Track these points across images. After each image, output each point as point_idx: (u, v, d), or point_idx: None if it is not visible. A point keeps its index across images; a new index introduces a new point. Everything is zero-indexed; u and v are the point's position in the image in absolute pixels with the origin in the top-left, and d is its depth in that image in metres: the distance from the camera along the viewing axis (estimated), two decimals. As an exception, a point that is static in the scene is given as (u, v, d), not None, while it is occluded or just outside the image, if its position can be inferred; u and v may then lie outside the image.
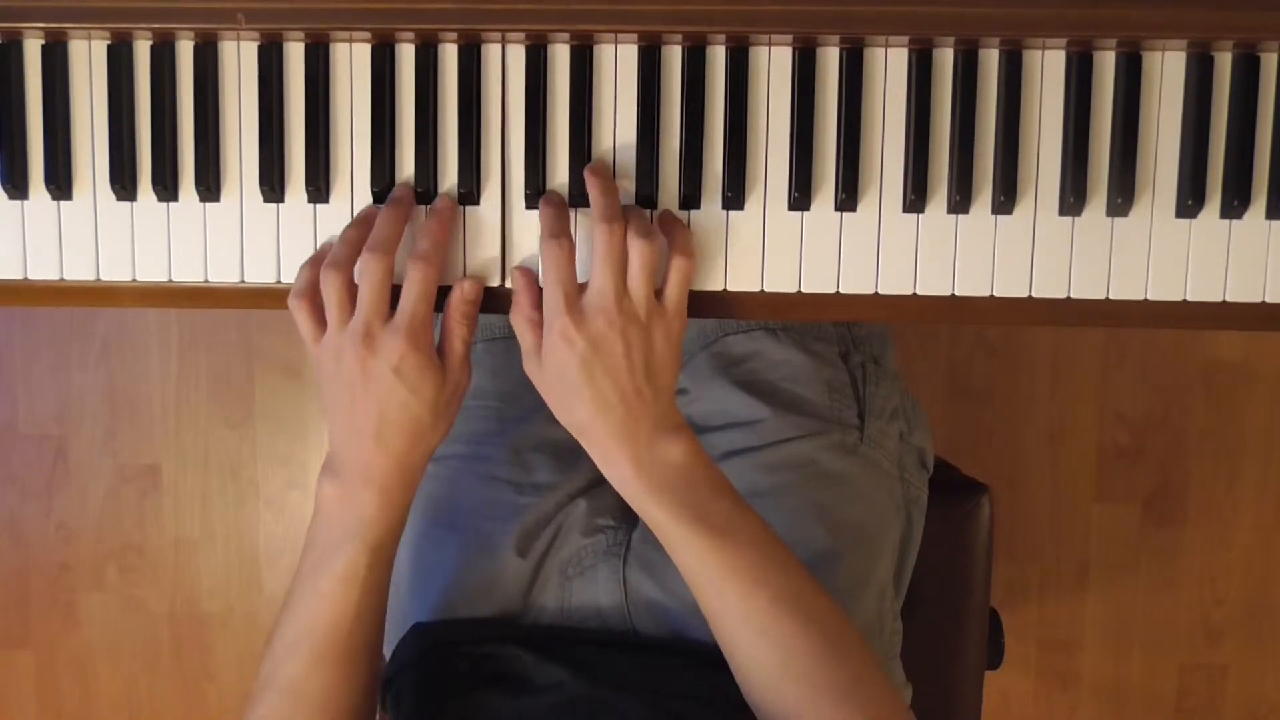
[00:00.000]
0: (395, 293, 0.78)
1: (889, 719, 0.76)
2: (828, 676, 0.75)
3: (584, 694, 0.85)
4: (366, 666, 0.83)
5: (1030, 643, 1.93)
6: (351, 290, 0.78)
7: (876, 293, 0.83)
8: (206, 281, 0.84)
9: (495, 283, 0.83)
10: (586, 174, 0.80)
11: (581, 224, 0.81)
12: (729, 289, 0.83)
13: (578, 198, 0.81)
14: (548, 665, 0.88)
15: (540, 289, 0.80)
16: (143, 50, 0.82)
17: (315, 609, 0.80)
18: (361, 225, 0.80)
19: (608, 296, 0.76)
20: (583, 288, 0.77)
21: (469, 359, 0.82)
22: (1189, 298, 0.83)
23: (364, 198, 0.83)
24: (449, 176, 0.82)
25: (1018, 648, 1.92)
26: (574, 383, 0.76)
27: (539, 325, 0.79)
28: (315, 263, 0.80)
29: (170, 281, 0.84)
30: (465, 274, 0.83)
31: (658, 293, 0.78)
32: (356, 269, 0.78)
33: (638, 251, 0.76)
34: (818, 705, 0.75)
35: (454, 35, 0.81)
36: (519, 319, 0.80)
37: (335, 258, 0.78)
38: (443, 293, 0.81)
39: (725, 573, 0.77)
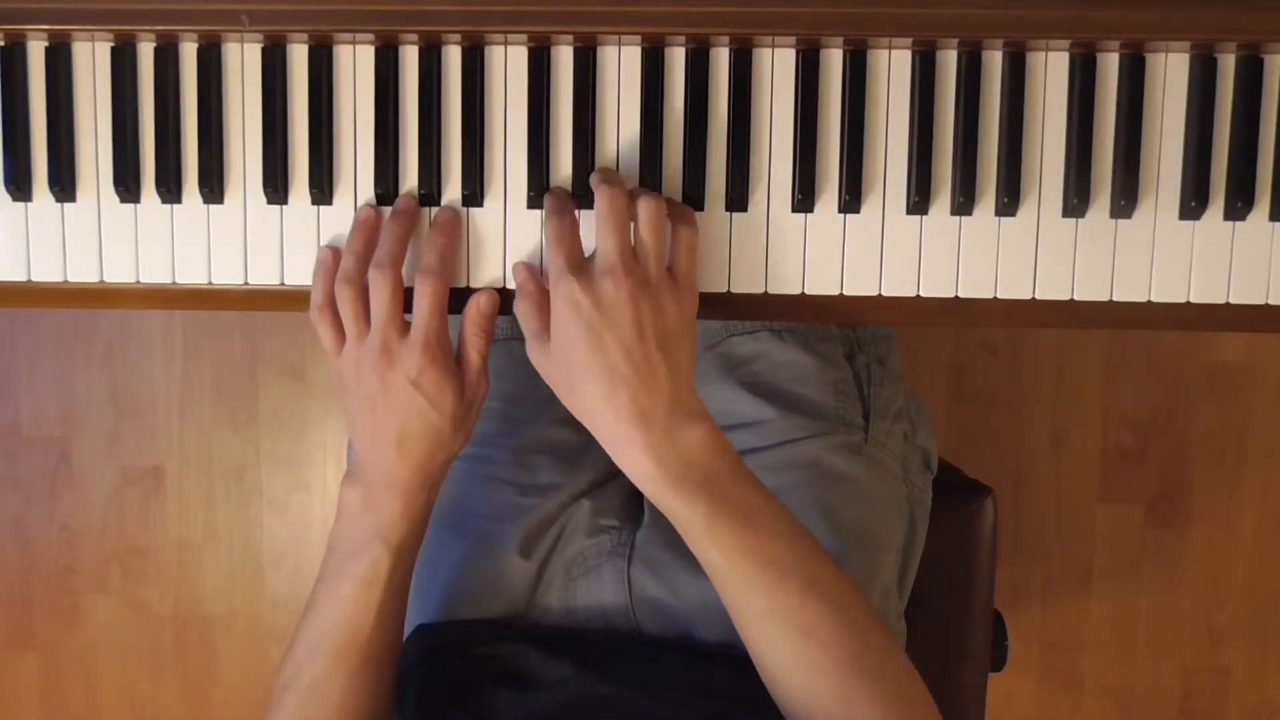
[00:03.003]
0: (410, 295, 0.79)
1: (917, 707, 0.76)
2: (859, 668, 0.74)
3: (591, 689, 0.85)
4: (386, 669, 0.84)
5: (1034, 644, 1.92)
6: (365, 303, 0.78)
7: (880, 294, 0.83)
8: (210, 283, 0.84)
9: (498, 285, 0.83)
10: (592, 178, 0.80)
11: (586, 224, 0.81)
12: (733, 290, 0.83)
13: (581, 200, 0.82)
14: (554, 662, 0.88)
15: (544, 273, 0.79)
16: (146, 52, 0.82)
17: (337, 611, 0.80)
18: (364, 230, 0.81)
19: (614, 256, 0.74)
20: (592, 259, 0.76)
21: (486, 369, 0.82)
22: (1192, 300, 0.83)
23: (368, 200, 0.83)
24: (452, 178, 0.82)
25: (1021, 649, 1.92)
26: (582, 354, 0.74)
27: (544, 307, 0.78)
28: (326, 274, 0.81)
29: (174, 283, 0.84)
30: (468, 274, 0.83)
31: (667, 267, 0.78)
32: (368, 281, 0.78)
33: (644, 207, 0.76)
34: (850, 697, 0.74)
35: (457, 37, 0.81)
36: (524, 306, 0.79)
37: (345, 272, 0.79)
38: (455, 295, 0.81)
39: (752, 565, 0.75)
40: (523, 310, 0.79)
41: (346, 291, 0.78)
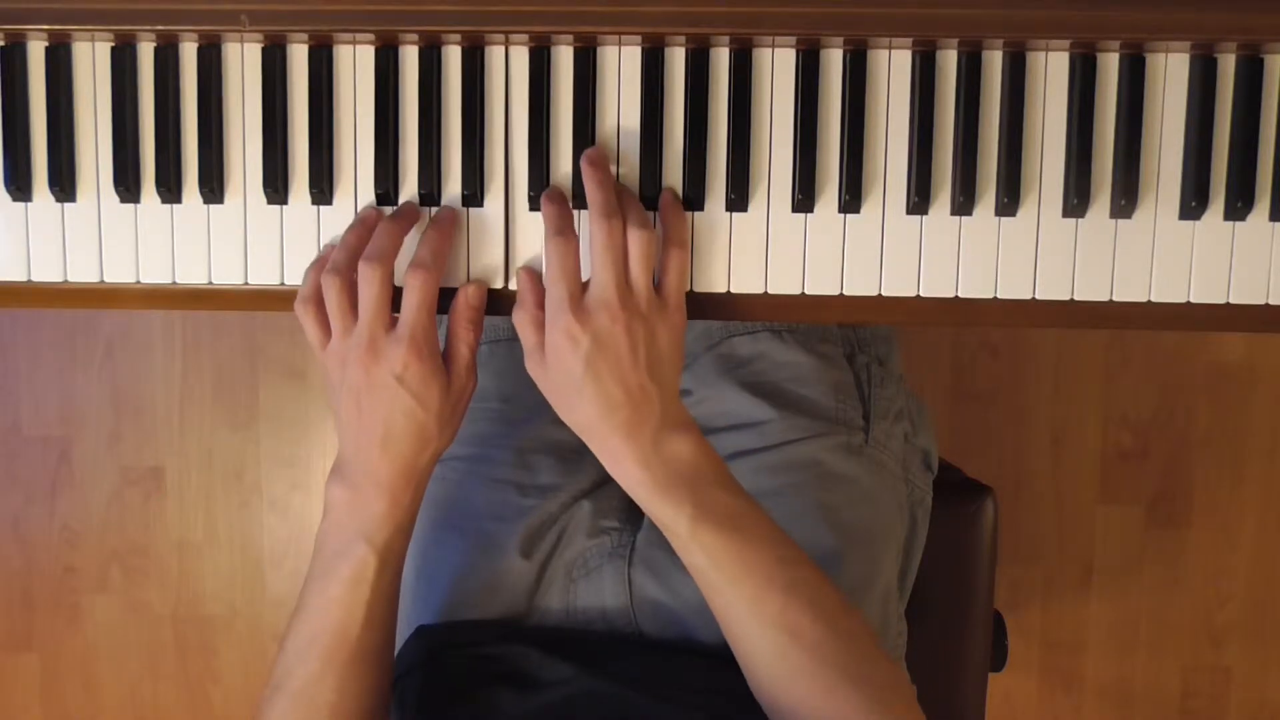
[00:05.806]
0: (400, 294, 0.79)
1: (900, 713, 0.76)
2: (841, 672, 0.75)
3: (592, 689, 0.85)
4: (378, 670, 0.83)
5: (1034, 644, 1.92)
6: (352, 296, 0.78)
7: (880, 295, 0.83)
8: (210, 283, 0.84)
9: (499, 285, 0.83)
10: (584, 164, 0.80)
11: (583, 222, 0.81)
12: (732, 290, 0.83)
13: (580, 198, 0.82)
14: (554, 662, 0.88)
15: (544, 289, 0.79)
16: (146, 52, 0.82)
17: (325, 611, 0.80)
18: (361, 227, 0.80)
19: (610, 291, 0.75)
20: (586, 285, 0.77)
21: (474, 364, 0.81)
22: (1192, 300, 0.83)
23: (368, 200, 0.83)
24: (452, 178, 0.82)
25: (1021, 649, 1.92)
26: (578, 381, 0.76)
27: (543, 325, 0.78)
28: (320, 267, 0.80)
29: (174, 283, 0.84)
30: (469, 276, 0.83)
31: (656, 286, 0.78)
32: (358, 275, 0.78)
33: (636, 242, 0.76)
34: (831, 701, 0.74)
35: (457, 37, 0.81)
36: (523, 319, 0.79)
37: (335, 263, 0.78)
38: (446, 296, 0.81)
39: (735, 570, 0.77)
40: (520, 323, 0.79)
41: (333, 283, 0.78)
